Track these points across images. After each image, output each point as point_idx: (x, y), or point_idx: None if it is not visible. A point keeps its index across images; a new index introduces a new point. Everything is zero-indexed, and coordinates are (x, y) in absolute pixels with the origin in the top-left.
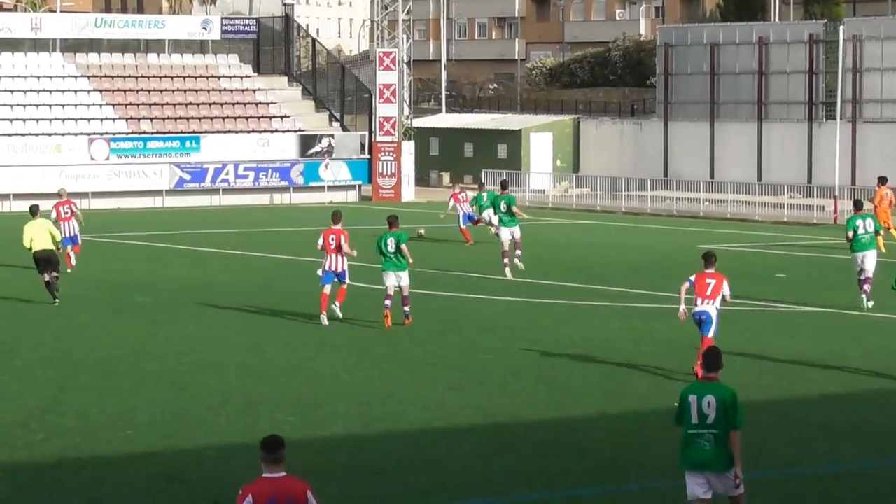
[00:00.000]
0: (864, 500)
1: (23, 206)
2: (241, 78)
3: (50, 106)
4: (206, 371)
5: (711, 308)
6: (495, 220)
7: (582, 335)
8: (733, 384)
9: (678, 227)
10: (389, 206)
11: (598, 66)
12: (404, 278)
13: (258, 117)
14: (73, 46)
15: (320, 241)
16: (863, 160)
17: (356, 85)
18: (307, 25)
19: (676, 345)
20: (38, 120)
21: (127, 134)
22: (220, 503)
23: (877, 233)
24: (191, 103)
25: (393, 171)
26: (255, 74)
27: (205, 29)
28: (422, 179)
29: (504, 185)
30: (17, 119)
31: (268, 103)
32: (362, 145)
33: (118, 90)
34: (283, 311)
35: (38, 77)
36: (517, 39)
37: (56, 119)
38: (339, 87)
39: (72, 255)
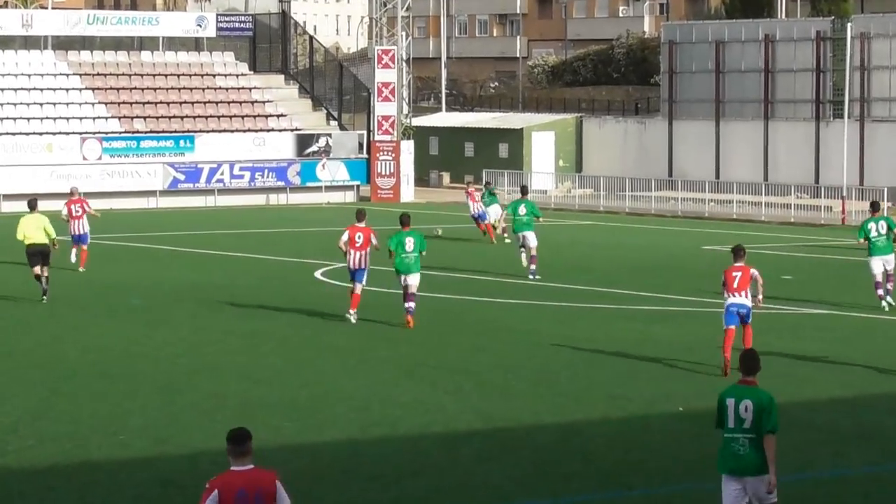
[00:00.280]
0: None
1: (13, 206)
2: (237, 76)
3: (41, 104)
4: (201, 374)
5: (748, 300)
6: (493, 216)
7: (585, 338)
8: None
9: (683, 228)
10: (388, 206)
11: (601, 64)
12: (414, 279)
13: (254, 116)
14: (64, 44)
15: (344, 237)
16: (871, 160)
17: (354, 83)
18: (304, 22)
19: (681, 348)
20: (29, 119)
21: (120, 133)
22: None
23: (890, 229)
24: (185, 102)
25: (392, 171)
26: (251, 72)
27: (200, 26)
28: (421, 180)
29: (524, 191)
30: (7, 118)
31: (264, 102)
32: (360, 145)
33: (111, 88)
34: (280, 313)
35: (30, 75)
36: (518, 37)
37: (47, 118)
38: (337, 85)
39: (80, 254)
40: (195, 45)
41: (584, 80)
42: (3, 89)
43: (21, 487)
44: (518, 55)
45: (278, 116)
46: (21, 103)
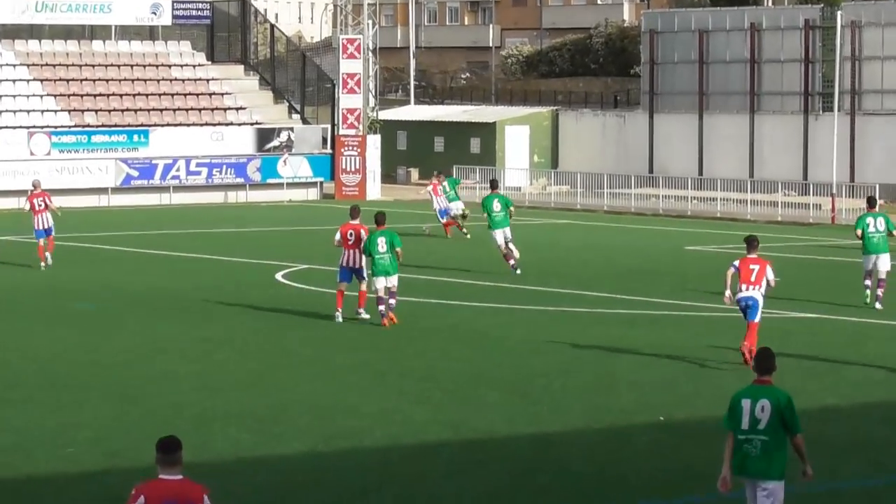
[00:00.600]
0: None
1: None
2: (194, 67)
3: None
4: (155, 383)
5: (757, 293)
6: (453, 206)
7: (561, 343)
8: (719, 397)
9: (664, 227)
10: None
11: (578, 54)
12: (393, 280)
13: (212, 109)
14: (11, 32)
15: (337, 237)
16: (862, 155)
17: (318, 74)
18: (265, 10)
19: (662, 355)
20: None
21: (70, 127)
22: None
23: (890, 233)
24: (139, 94)
25: (357, 167)
26: (209, 63)
27: (154, 14)
28: (388, 176)
29: (494, 185)
30: None
31: (222, 94)
32: (324, 139)
33: (60, 80)
34: (238, 318)
35: None
36: (491, 25)
37: None
38: (300, 76)
39: (47, 255)
40: (150, 33)
41: (560, 72)
42: None
43: None
44: (491, 45)
45: (237, 109)
46: None
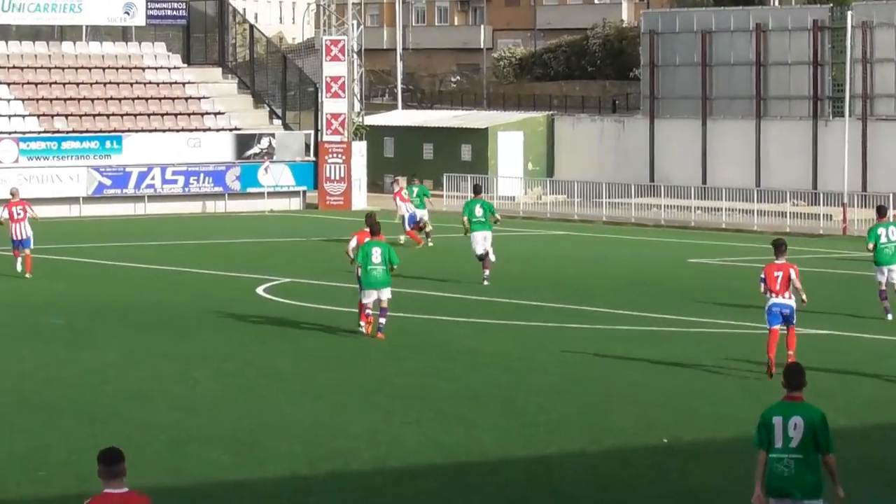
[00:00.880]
0: None
1: None
2: (169, 69)
3: None
4: (129, 403)
5: (791, 300)
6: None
7: (557, 361)
8: (726, 417)
9: (666, 239)
10: (338, 215)
11: (574, 57)
12: (385, 293)
13: (188, 114)
14: None
15: (352, 243)
16: (875, 162)
17: (300, 77)
18: (244, 10)
19: (665, 373)
20: None
21: (38, 133)
22: None
23: None
24: (111, 98)
25: (342, 175)
26: (185, 65)
27: (127, 13)
28: (375, 185)
29: (477, 190)
30: None
31: (199, 98)
32: (307, 146)
33: (28, 83)
34: (217, 334)
35: None
36: (483, 26)
37: None
38: (281, 79)
39: (26, 263)
40: (122, 34)
41: (555, 75)
42: None
43: None
44: (482, 46)
45: (215, 114)
46: None
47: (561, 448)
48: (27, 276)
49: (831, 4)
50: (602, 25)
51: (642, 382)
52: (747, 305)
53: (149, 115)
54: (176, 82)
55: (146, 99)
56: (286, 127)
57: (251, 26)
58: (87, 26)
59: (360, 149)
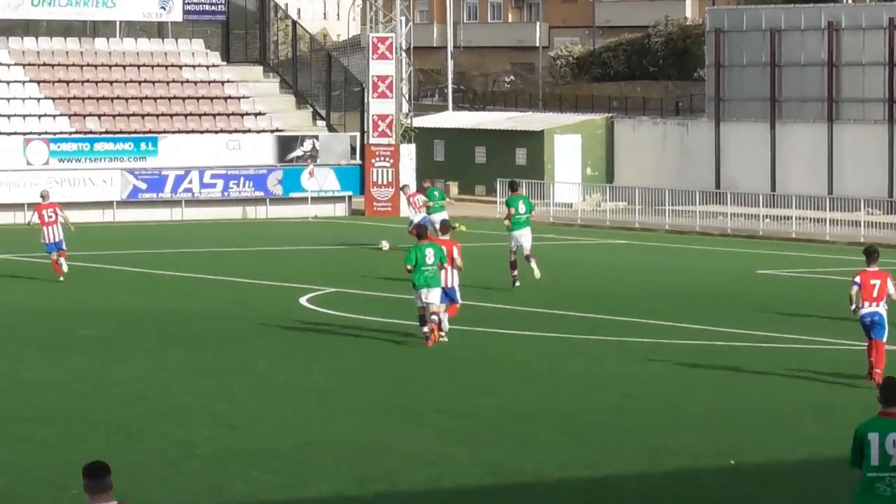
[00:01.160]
0: None
1: None
2: (208, 67)
3: None
4: (165, 418)
5: (882, 309)
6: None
7: (617, 377)
8: (797, 437)
9: (732, 249)
10: (386, 222)
11: (635, 56)
12: (435, 295)
13: (227, 115)
14: (5, 29)
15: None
16: None
17: (345, 76)
18: (286, 5)
19: (731, 390)
20: None
21: (70, 134)
22: None
23: None
24: (147, 98)
25: (389, 179)
26: (224, 63)
27: (163, 8)
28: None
29: (514, 187)
30: None
31: (239, 98)
32: (353, 149)
33: (59, 81)
34: (258, 347)
35: None
36: (538, 23)
37: None
38: (325, 79)
39: (62, 261)
40: (158, 30)
41: (615, 75)
42: None
43: None
44: (538, 44)
45: (256, 115)
46: None
47: (620, 469)
48: (60, 279)
49: None
50: (664, 23)
51: (707, 400)
52: (820, 317)
53: (186, 115)
54: (214, 81)
55: (183, 99)
56: (330, 129)
57: (294, 22)
58: (121, 22)
59: (408, 152)
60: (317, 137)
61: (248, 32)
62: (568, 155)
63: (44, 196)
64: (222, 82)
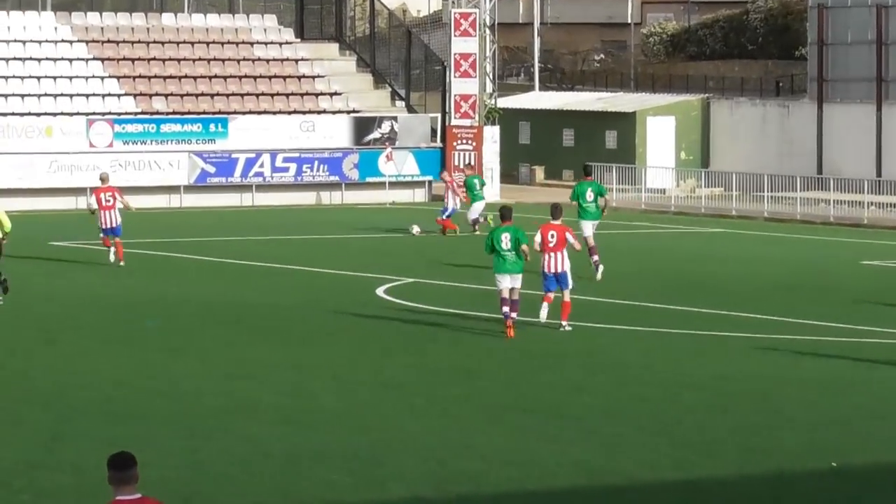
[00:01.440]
0: None
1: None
2: (280, 45)
3: (38, 79)
4: (234, 416)
5: None
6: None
7: (713, 375)
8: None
9: (835, 238)
10: (468, 208)
11: (732, 33)
12: (518, 280)
13: (301, 95)
14: (67, 4)
15: (538, 238)
16: None
17: (425, 55)
18: None
19: (832, 389)
20: (23, 96)
21: (135, 115)
22: None
23: None
24: (216, 77)
25: (472, 163)
26: (298, 40)
27: None
28: (509, 175)
29: (588, 171)
30: None
31: (313, 77)
32: (433, 131)
33: (124, 59)
34: (333, 340)
35: (24, 42)
36: None
37: (46, 95)
38: (404, 57)
39: (116, 247)
40: (228, 5)
41: (711, 53)
42: None
43: None
44: (629, 21)
45: (331, 95)
46: (13, 76)
47: (716, 471)
48: (121, 263)
49: None
50: None
51: (808, 399)
52: None
53: (257, 95)
54: (288, 59)
55: (255, 77)
56: (410, 109)
57: None
58: None
59: (492, 134)
60: (395, 119)
61: (324, 7)
62: (661, 138)
63: (103, 179)
64: (296, 60)
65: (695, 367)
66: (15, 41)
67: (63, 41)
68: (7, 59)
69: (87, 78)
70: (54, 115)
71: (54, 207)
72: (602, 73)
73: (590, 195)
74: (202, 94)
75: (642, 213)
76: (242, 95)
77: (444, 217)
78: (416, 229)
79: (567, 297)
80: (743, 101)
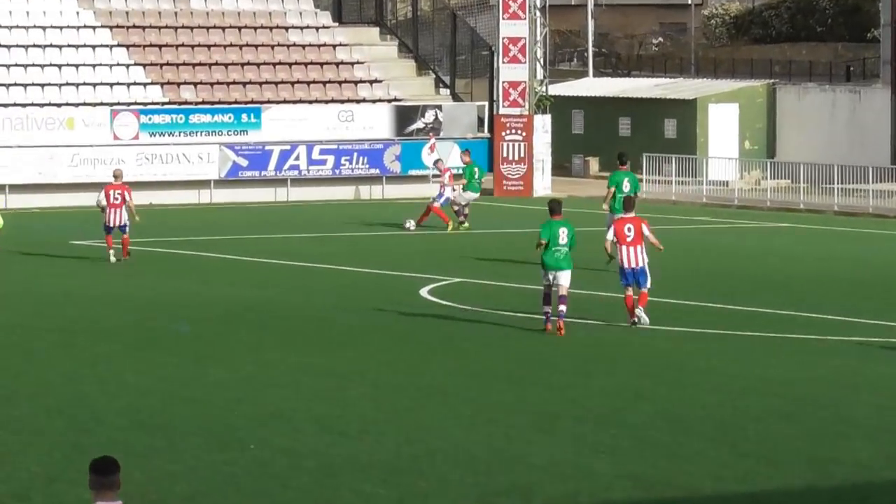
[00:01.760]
0: None
1: (21, 201)
2: (317, 29)
3: (59, 67)
4: (267, 425)
5: None
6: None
7: (778, 380)
8: None
9: None
10: (518, 203)
11: (800, 14)
12: (567, 277)
13: (339, 83)
14: None
15: (610, 235)
16: None
17: (472, 39)
18: None
19: None
20: (43, 85)
21: (163, 105)
22: None
23: None
24: (248, 64)
25: (522, 155)
26: (336, 25)
27: None
28: (561, 167)
29: (623, 160)
30: (15, 84)
31: (352, 63)
32: (480, 120)
33: (151, 46)
34: (371, 344)
35: (45, 28)
36: None
37: (67, 84)
38: (449, 41)
39: (110, 251)
40: None
41: (777, 36)
42: (9, 46)
43: None
44: (689, 1)
45: (371, 83)
46: (33, 65)
47: (783, 483)
48: (123, 258)
49: None
50: None
51: (883, 405)
52: None
53: (293, 83)
54: (325, 45)
55: (289, 64)
56: (455, 98)
57: None
58: None
59: (543, 124)
60: (439, 108)
61: None
62: (724, 127)
63: (116, 175)
64: (333, 46)
65: (758, 370)
66: (34, 27)
67: (85, 27)
68: (26, 47)
69: (111, 66)
70: (76, 105)
71: (76, 204)
72: (660, 58)
73: (626, 186)
74: (234, 83)
75: (703, 206)
76: (276, 84)
77: (438, 204)
78: (410, 224)
79: (646, 286)
80: (811, 87)
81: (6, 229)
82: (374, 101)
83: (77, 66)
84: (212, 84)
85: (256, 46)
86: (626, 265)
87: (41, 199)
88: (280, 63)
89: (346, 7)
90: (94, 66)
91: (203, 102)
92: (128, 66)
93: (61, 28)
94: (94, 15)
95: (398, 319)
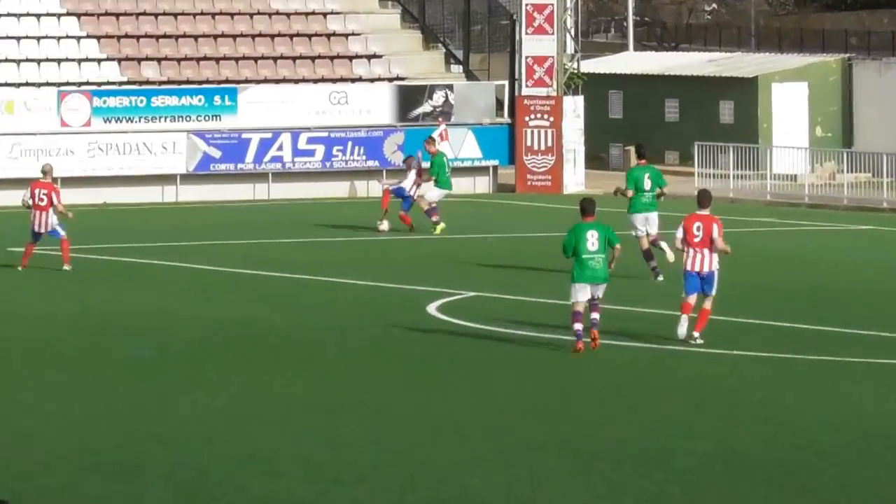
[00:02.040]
0: None
1: None
2: None
3: None
4: (245, 468)
5: None
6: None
7: (856, 413)
8: None
9: None
10: (545, 202)
11: None
12: (601, 290)
13: (331, 58)
14: None
15: (680, 233)
16: None
17: (489, 6)
18: None
19: None
20: None
21: (120, 85)
22: None
23: None
24: (223, 36)
25: (549, 144)
26: None
27: None
28: (597, 157)
29: (642, 154)
30: None
31: (347, 35)
32: (499, 103)
33: (106, 14)
34: (371, 371)
35: None
36: None
37: (6, 61)
38: (462, 9)
39: (66, 246)
40: None
41: (854, 2)
42: None
43: None
44: None
45: (369, 58)
46: None
47: None
48: (65, 267)
49: None
50: None
51: None
52: None
53: (275, 59)
54: (314, 13)
55: (271, 37)
56: (469, 76)
57: None
58: None
59: (574, 107)
60: (450, 88)
61: None
62: (791, 110)
63: (45, 171)
64: (324, 14)
65: (830, 401)
66: None
67: None
68: None
69: (58, 39)
70: (17, 86)
71: (16, 204)
72: (714, 28)
73: (647, 183)
74: (205, 59)
75: (767, 205)
76: (256, 59)
77: (404, 210)
78: (384, 225)
79: (709, 304)
80: (894, 62)
81: None
82: (372, 81)
83: (18, 39)
84: (178, 60)
85: (232, 16)
86: (691, 268)
87: None
88: (260, 35)
89: None
90: (38, 38)
91: (168, 82)
92: (78, 38)
93: None
94: None
95: (402, 341)
